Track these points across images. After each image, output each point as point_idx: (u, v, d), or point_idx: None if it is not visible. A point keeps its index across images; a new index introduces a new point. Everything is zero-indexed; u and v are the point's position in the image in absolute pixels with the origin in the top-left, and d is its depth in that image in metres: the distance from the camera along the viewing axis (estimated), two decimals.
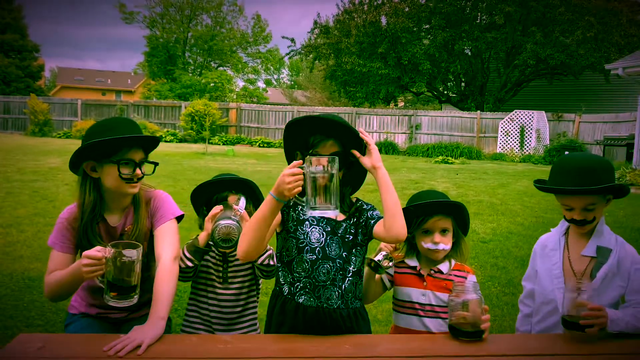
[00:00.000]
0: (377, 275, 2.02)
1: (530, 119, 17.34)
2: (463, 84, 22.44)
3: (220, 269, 2.18)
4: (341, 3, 22.48)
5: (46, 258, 2.02)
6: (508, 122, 17.71)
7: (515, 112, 17.71)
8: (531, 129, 17.26)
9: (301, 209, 1.85)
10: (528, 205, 7.82)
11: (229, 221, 1.94)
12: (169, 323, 2.05)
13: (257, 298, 2.27)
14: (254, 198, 2.26)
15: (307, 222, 1.83)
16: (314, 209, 1.59)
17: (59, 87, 50.76)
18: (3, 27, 34.47)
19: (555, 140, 16.96)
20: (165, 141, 19.59)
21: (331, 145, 1.81)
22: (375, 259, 1.95)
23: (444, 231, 2.00)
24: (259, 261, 2.00)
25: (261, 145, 20.11)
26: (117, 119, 2.06)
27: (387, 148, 18.58)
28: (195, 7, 39.08)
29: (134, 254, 1.65)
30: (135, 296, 1.70)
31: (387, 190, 1.74)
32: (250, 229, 1.71)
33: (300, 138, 1.86)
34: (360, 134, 1.78)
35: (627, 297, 1.89)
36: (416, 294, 1.99)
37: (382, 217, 1.79)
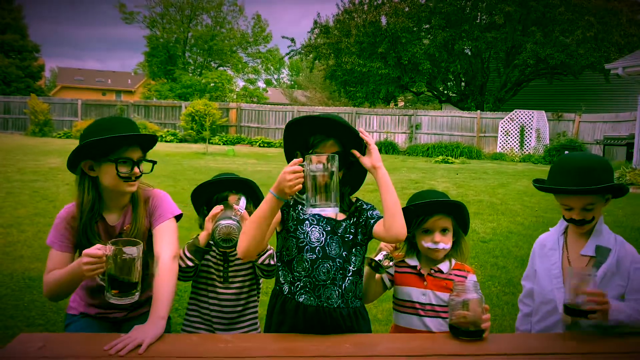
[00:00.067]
0: (377, 275, 2.02)
1: (530, 118, 17.34)
2: (463, 84, 22.44)
3: (221, 268, 2.18)
4: (341, 3, 22.50)
5: (46, 258, 2.02)
6: (508, 121, 17.71)
7: (515, 111, 17.71)
8: (531, 129, 17.26)
9: (301, 208, 1.85)
10: (528, 204, 7.82)
11: (230, 221, 1.94)
12: (169, 322, 2.05)
13: (258, 297, 2.27)
14: (255, 198, 2.26)
15: (307, 222, 1.84)
16: (313, 206, 1.59)
17: (59, 87, 50.77)
18: (3, 27, 34.48)
19: (555, 139, 16.96)
20: (166, 141, 19.61)
21: (331, 145, 1.82)
22: (376, 258, 1.95)
23: (444, 230, 2.00)
24: (260, 261, 2.00)
25: (261, 145, 20.12)
26: (115, 118, 2.06)
27: (387, 148, 18.58)
28: (195, 7, 39.07)
29: (134, 251, 1.66)
30: (136, 293, 1.71)
31: (387, 190, 1.75)
32: (250, 227, 1.71)
33: (300, 138, 1.86)
34: (360, 134, 1.79)
35: (627, 297, 1.89)
36: (416, 293, 1.99)
37: (382, 217, 1.80)
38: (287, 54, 24.65)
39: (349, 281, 1.84)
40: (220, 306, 2.17)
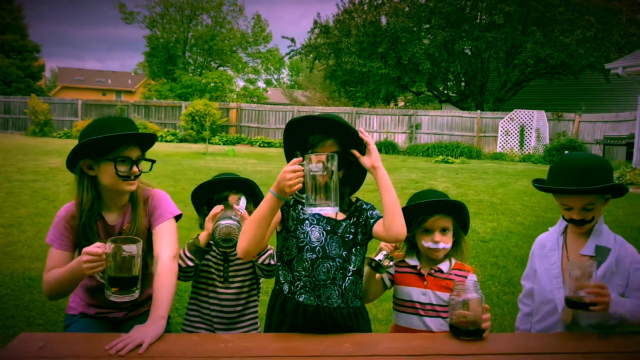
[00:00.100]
0: (377, 275, 2.02)
1: (530, 118, 17.34)
2: (463, 84, 22.44)
3: (221, 268, 2.18)
4: (341, 3, 22.48)
5: (46, 258, 2.03)
6: (508, 121, 17.71)
7: (515, 111, 17.71)
8: (531, 129, 17.26)
9: (301, 208, 1.85)
10: (528, 204, 7.82)
11: (230, 221, 1.94)
12: (169, 321, 2.05)
13: (258, 297, 2.27)
14: (255, 198, 2.26)
15: (307, 222, 1.84)
16: (313, 205, 1.60)
17: (59, 87, 50.78)
18: (3, 27, 34.49)
19: (555, 139, 16.96)
20: (166, 141, 19.61)
21: (331, 144, 1.82)
22: (376, 258, 1.95)
23: (444, 230, 2.01)
24: (260, 260, 2.00)
25: (261, 145, 20.12)
26: (113, 118, 2.07)
27: (387, 148, 18.58)
28: (195, 7, 39.08)
29: (133, 249, 1.67)
30: (136, 290, 1.71)
31: (387, 190, 1.75)
32: (250, 226, 1.71)
33: (300, 138, 1.86)
34: (360, 134, 1.79)
35: (628, 296, 1.88)
36: (417, 293, 1.99)
37: (381, 217, 1.80)
38: (287, 54, 24.66)
39: (349, 281, 1.84)
40: (220, 306, 2.17)
